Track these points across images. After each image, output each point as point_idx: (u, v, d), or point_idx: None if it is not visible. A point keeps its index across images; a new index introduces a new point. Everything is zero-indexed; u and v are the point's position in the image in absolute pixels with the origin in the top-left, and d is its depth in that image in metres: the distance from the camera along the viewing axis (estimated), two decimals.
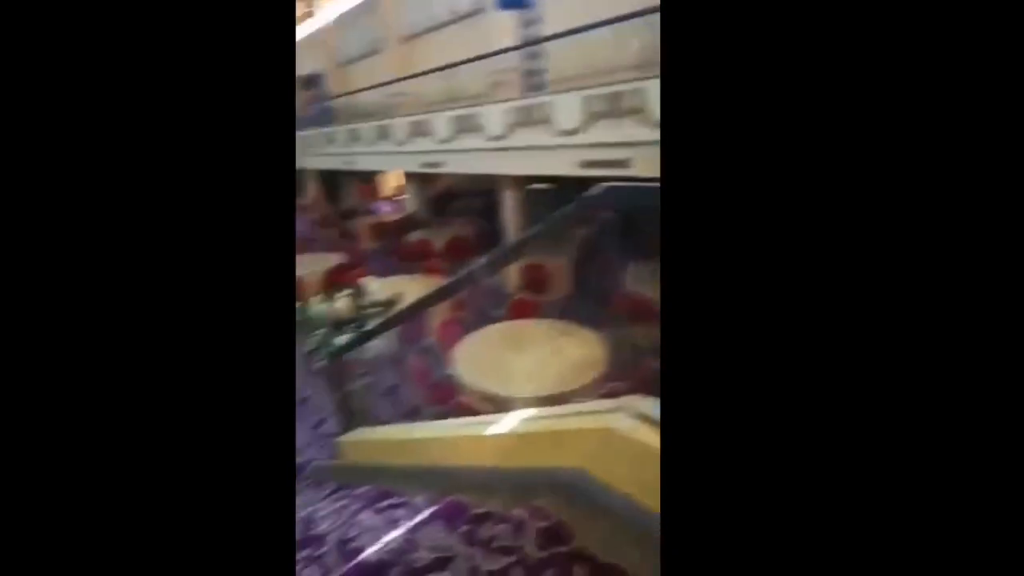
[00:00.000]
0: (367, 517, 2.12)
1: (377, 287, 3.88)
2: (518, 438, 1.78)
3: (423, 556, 1.52)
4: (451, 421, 2.61)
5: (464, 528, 1.55)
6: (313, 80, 13.83)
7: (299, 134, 11.43)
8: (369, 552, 1.74)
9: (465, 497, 1.84)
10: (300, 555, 1.98)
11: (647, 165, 3.90)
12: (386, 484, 2.67)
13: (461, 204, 11.77)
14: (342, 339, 3.77)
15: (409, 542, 1.66)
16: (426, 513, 1.90)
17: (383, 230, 10.54)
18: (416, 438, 2.59)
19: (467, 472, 2.09)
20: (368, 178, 17.90)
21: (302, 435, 4.15)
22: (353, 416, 3.73)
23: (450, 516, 1.73)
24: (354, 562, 1.73)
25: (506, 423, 1.94)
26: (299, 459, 3.86)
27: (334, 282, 6.53)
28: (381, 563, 1.60)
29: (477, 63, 6.14)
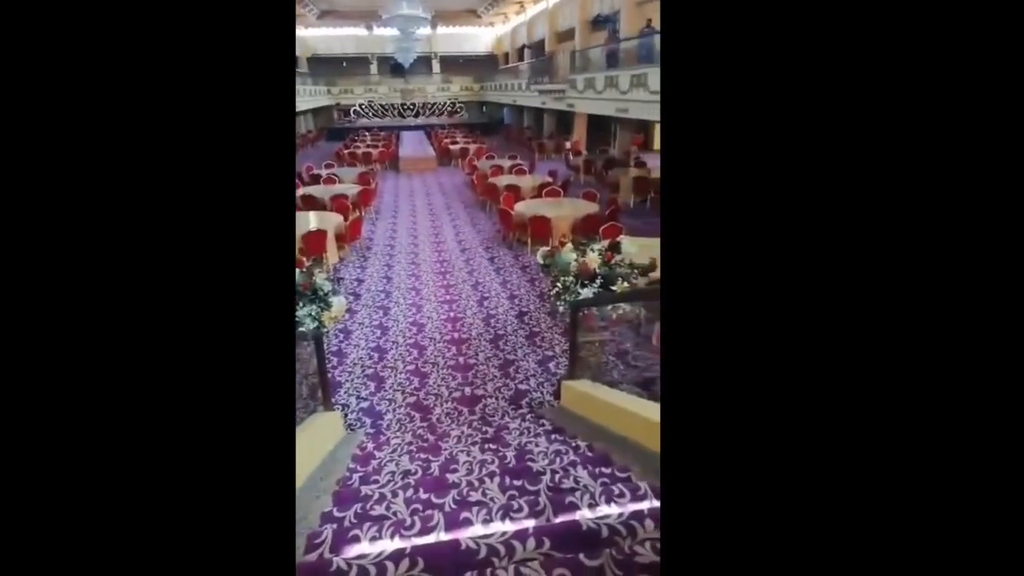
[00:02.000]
0: (585, 476, 2.07)
1: (635, 250, 3.71)
2: None
3: (644, 553, 1.36)
4: None
5: None
6: (605, 19, 13.69)
7: (578, 76, 11.59)
8: (585, 516, 1.67)
9: None
10: (515, 483, 2.04)
11: None
12: (600, 445, 2.61)
13: None
14: (586, 292, 3.75)
15: (628, 528, 1.52)
16: (650, 504, 1.74)
17: (647, 185, 10.24)
18: (642, 415, 2.43)
19: None
20: (642, 128, 17.54)
21: (530, 365, 4.39)
22: (581, 366, 3.76)
23: None
24: (568, 518, 1.69)
25: None
26: (522, 386, 4.10)
27: (586, 231, 6.61)
28: (594, 535, 1.51)
29: None
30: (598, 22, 14.76)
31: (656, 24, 9.34)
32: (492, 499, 1.91)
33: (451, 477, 2.19)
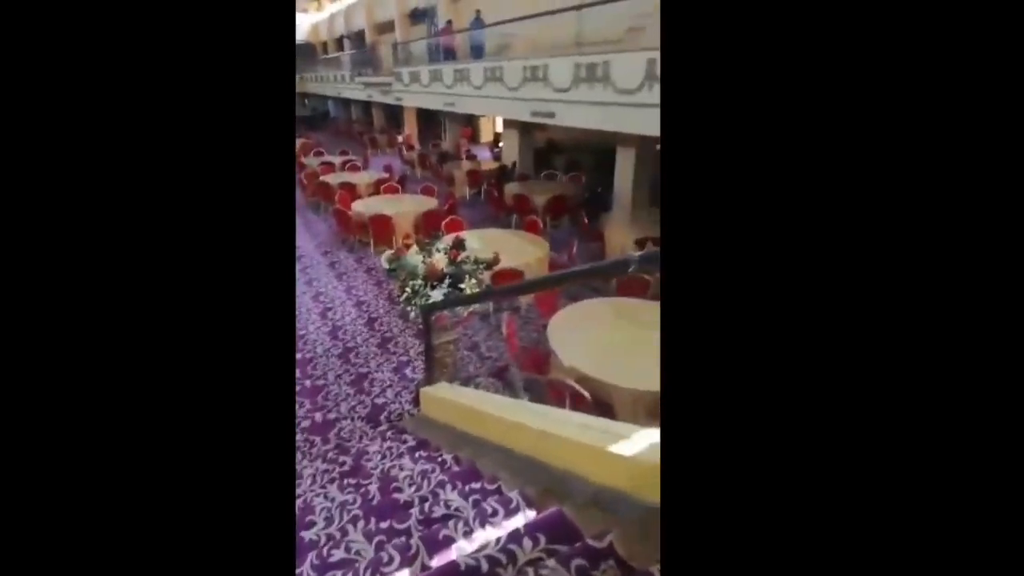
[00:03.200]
0: (456, 498, 1.96)
1: (478, 245, 3.67)
2: (613, 456, 1.54)
3: None
4: (539, 408, 2.41)
5: (579, 563, 1.31)
6: (423, 13, 13.50)
7: (403, 69, 11.30)
8: (462, 551, 1.56)
9: (568, 510, 1.61)
10: (382, 525, 1.86)
11: None
12: (467, 454, 2.53)
13: (567, 159, 11.35)
14: (436, 294, 3.63)
15: (508, 555, 1.45)
16: (526, 518, 1.69)
17: (480, 177, 10.36)
18: (503, 418, 2.40)
19: (560, 476, 1.88)
20: (469, 122, 17.71)
21: (385, 375, 4.14)
22: (438, 367, 3.64)
23: (556, 535, 1.50)
24: (444, 558, 1.57)
25: (602, 432, 1.69)
26: (379, 400, 3.85)
27: (429, 228, 6.46)
28: (474, 573, 1.41)
29: (617, 4, 5.57)
30: (416, 16, 14.48)
31: (484, 14, 9.34)
32: (358, 552, 1.70)
33: (307, 535, 1.91)
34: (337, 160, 11.66)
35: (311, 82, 22.91)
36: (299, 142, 15.53)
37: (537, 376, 3.56)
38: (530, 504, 1.80)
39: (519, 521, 1.71)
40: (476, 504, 1.92)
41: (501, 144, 12.56)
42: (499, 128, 15.86)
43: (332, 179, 9.36)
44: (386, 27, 16.57)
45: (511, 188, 8.50)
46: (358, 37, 18.94)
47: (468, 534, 1.69)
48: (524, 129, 10.44)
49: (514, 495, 1.86)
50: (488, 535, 1.65)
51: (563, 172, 10.22)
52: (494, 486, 2.04)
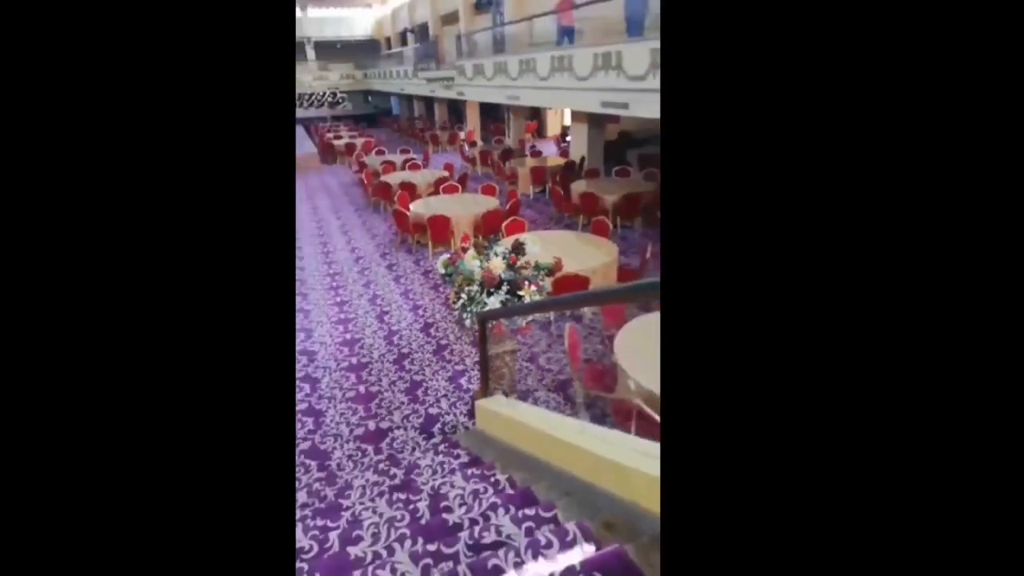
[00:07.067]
0: (508, 524, 1.86)
1: (538, 249, 3.54)
2: None
3: None
4: (602, 432, 2.26)
5: None
6: (488, 1, 13.42)
7: (466, 62, 11.27)
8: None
9: (631, 550, 1.47)
10: (429, 547, 1.79)
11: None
12: (522, 475, 2.43)
13: (641, 153, 10.97)
14: (492, 301, 3.55)
15: None
16: (584, 553, 1.56)
17: (545, 175, 10.19)
18: (562, 439, 2.27)
19: (624, 509, 1.74)
20: (535, 115, 17.55)
21: (440, 384, 4.11)
22: (494, 378, 3.56)
23: None
24: None
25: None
26: (433, 410, 3.82)
27: (489, 228, 6.40)
28: None
29: None
30: (481, 5, 14.45)
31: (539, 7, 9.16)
32: (404, 575, 1.64)
33: (353, 551, 1.88)
34: (398, 159, 11.85)
35: (375, 79, 23.49)
36: (360, 141, 15.95)
37: (601, 393, 3.40)
38: (588, 538, 1.67)
39: (575, 556, 1.58)
40: (529, 532, 1.81)
41: (569, 138, 12.27)
42: (567, 121, 15.57)
43: (392, 179, 9.49)
44: (450, 18, 16.63)
45: (578, 186, 8.17)
46: (422, 30, 19.17)
47: (519, 565, 1.58)
48: (594, 121, 10.06)
49: (571, 526, 1.73)
50: (540, 569, 1.54)
51: (637, 167, 9.81)
52: (550, 514, 1.92)
